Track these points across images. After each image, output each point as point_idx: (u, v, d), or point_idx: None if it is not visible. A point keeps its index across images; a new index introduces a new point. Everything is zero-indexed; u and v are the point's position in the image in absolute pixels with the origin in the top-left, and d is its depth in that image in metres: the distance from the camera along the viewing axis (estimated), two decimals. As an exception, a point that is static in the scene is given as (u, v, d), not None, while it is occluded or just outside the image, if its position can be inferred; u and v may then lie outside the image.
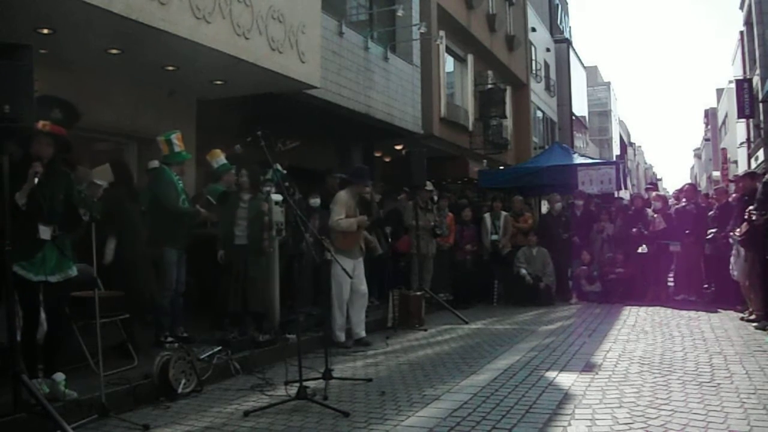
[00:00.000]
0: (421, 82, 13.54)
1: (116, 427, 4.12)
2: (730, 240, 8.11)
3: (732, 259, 7.90)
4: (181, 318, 6.39)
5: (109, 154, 7.97)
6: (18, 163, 4.17)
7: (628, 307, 9.36)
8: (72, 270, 4.48)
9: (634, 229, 10.11)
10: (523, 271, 10.21)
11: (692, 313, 8.58)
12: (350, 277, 6.51)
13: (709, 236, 9.16)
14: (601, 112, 50.14)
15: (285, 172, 5.64)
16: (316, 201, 8.23)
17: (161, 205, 6.08)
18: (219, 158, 7.30)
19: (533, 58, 24.40)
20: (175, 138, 6.26)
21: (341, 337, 7.01)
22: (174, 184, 6.14)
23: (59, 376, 4.33)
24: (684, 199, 10.19)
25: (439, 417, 4.17)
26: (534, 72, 24.29)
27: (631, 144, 68.42)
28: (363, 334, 7.08)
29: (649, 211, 10.14)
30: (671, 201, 11.29)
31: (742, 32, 28.80)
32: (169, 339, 5.91)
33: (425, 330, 7.73)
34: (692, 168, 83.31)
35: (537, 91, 24.74)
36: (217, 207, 6.81)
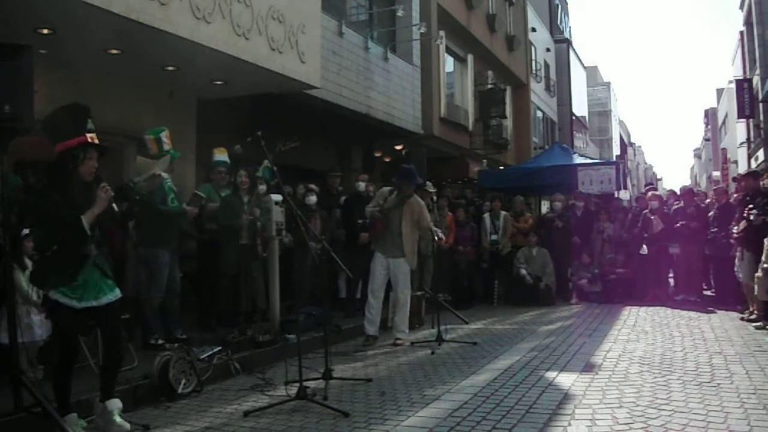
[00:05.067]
0: (421, 82, 13.54)
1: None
2: (731, 241, 8.12)
3: (737, 261, 7.90)
4: (179, 320, 6.37)
5: (108, 154, 7.95)
6: (60, 180, 3.85)
7: (629, 308, 9.36)
8: (117, 291, 4.02)
9: (636, 231, 10.12)
10: (523, 271, 10.21)
11: (692, 313, 8.57)
12: (349, 274, 6.52)
13: (709, 237, 9.16)
14: (601, 112, 50.11)
15: (275, 168, 5.60)
16: (311, 199, 8.22)
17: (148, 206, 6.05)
18: (216, 155, 7.25)
19: (533, 58, 24.40)
20: (164, 136, 6.12)
21: (368, 330, 7.03)
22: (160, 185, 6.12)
23: (114, 404, 3.95)
24: (683, 202, 10.17)
25: (439, 417, 4.16)
26: (534, 72, 24.28)
27: (631, 144, 68.41)
28: (398, 335, 7.03)
29: (646, 212, 10.12)
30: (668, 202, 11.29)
31: (742, 32, 28.82)
32: (160, 341, 5.90)
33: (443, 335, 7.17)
34: (692, 168, 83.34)
35: (537, 91, 24.74)
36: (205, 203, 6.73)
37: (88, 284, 3.85)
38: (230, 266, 6.58)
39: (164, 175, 5.72)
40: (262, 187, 7.10)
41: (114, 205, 3.93)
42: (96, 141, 3.93)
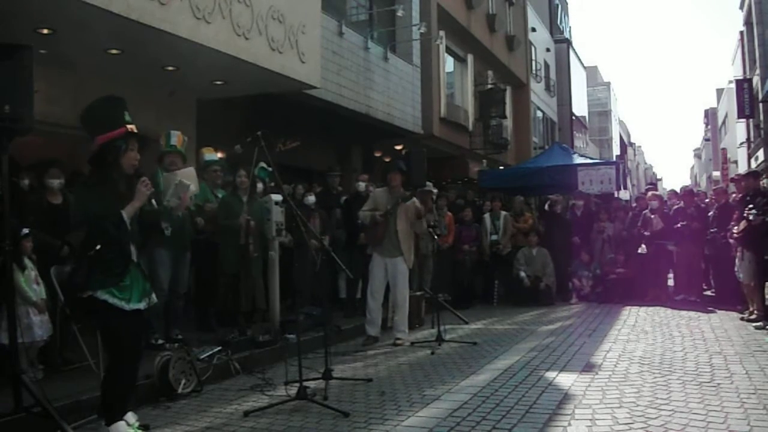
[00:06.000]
0: (421, 82, 13.55)
1: (116, 427, 4.11)
2: (731, 241, 8.11)
3: (737, 261, 7.90)
4: (180, 320, 6.36)
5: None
6: (103, 173, 3.68)
7: (628, 308, 9.36)
8: (154, 295, 3.90)
9: (635, 230, 10.12)
10: (522, 273, 10.19)
11: (692, 313, 8.57)
12: (350, 275, 6.51)
13: (709, 237, 9.15)
14: (601, 112, 50.13)
15: (270, 169, 5.48)
16: (309, 199, 8.21)
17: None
18: (205, 155, 7.20)
19: (533, 58, 24.41)
20: (174, 133, 6.18)
21: (369, 331, 7.06)
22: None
23: (131, 417, 3.79)
24: (682, 203, 10.17)
25: (439, 417, 4.16)
26: (534, 72, 24.29)
27: (631, 144, 68.42)
28: (398, 335, 7.05)
29: (646, 211, 10.13)
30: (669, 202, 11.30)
31: (742, 32, 28.84)
32: (160, 341, 5.89)
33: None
34: (692, 168, 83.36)
35: (537, 91, 24.74)
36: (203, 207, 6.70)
37: (133, 286, 3.67)
38: (230, 266, 6.56)
39: (185, 182, 5.51)
40: (260, 185, 7.09)
41: (153, 201, 3.78)
42: (136, 131, 3.74)
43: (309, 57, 8.14)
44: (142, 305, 3.71)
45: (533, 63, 24.30)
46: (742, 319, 7.80)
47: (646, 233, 9.89)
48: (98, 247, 3.55)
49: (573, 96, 30.61)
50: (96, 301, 3.55)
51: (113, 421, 3.61)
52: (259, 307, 6.74)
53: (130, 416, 3.78)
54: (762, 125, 24.69)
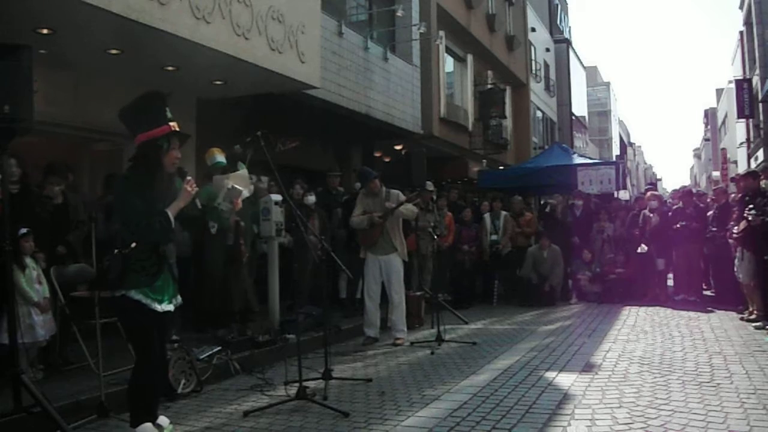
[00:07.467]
0: (420, 82, 13.54)
1: (116, 428, 4.12)
2: (730, 241, 8.11)
3: (736, 261, 7.90)
4: (178, 321, 6.35)
5: (108, 154, 7.97)
6: (145, 172, 3.58)
7: (628, 307, 9.36)
8: (179, 297, 3.78)
9: (637, 231, 10.12)
10: (532, 275, 10.15)
11: (692, 313, 8.57)
12: (350, 275, 6.52)
13: (708, 236, 9.16)
14: (601, 112, 50.14)
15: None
16: (309, 199, 8.21)
17: None
18: (212, 156, 7.20)
19: (533, 58, 24.42)
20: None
21: (368, 332, 7.06)
22: None
23: (165, 420, 3.71)
24: (681, 203, 10.17)
25: (438, 417, 4.17)
26: (534, 72, 24.29)
27: (631, 144, 68.41)
28: (396, 335, 7.06)
29: (645, 211, 10.13)
30: (669, 201, 11.31)
31: (741, 32, 28.83)
32: None
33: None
34: (692, 168, 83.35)
35: (537, 91, 24.74)
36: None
37: (164, 287, 3.60)
38: (217, 267, 6.54)
39: (238, 187, 5.40)
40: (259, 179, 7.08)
41: (197, 202, 3.69)
42: (178, 129, 3.65)
43: (309, 57, 8.14)
44: (171, 306, 3.64)
45: (533, 63, 24.31)
46: (741, 319, 7.80)
47: (648, 231, 9.88)
48: (133, 245, 3.47)
49: (573, 96, 30.63)
50: (129, 300, 3.48)
51: (139, 423, 3.51)
52: (252, 307, 6.71)
53: (164, 420, 3.71)
54: (762, 125, 24.70)
